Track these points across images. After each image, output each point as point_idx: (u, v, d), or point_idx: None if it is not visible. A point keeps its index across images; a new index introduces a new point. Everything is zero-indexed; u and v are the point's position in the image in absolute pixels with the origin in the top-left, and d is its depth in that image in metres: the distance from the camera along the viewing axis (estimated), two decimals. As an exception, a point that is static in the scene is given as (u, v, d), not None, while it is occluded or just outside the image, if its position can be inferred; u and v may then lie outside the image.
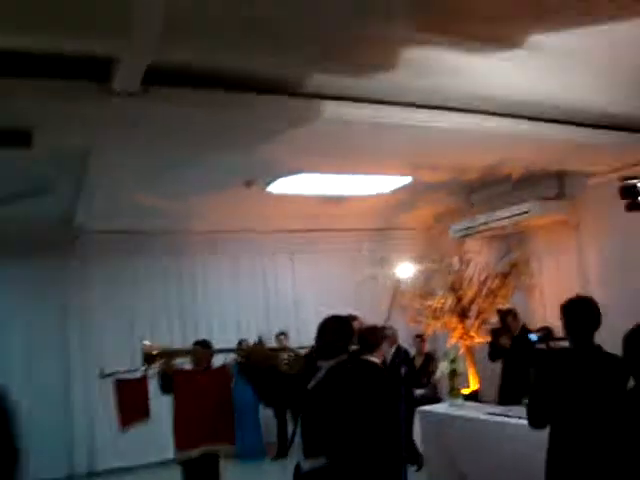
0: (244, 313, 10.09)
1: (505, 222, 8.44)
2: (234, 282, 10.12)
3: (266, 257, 10.31)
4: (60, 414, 8.84)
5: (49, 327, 8.88)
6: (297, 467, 3.67)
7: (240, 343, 8.62)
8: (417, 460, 7.26)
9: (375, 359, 4.76)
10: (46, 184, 6.85)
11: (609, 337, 3.57)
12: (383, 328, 5.23)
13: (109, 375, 6.38)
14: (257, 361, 3.70)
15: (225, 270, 10.04)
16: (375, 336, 4.92)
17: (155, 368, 5.78)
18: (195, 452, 5.32)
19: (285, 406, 8.33)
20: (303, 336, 9.10)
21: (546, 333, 5.74)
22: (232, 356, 6.26)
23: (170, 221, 9.09)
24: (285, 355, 3.96)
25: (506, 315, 7.58)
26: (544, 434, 5.05)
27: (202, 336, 7.74)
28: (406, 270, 8.66)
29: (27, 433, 8.43)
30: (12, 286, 8.68)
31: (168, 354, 4.86)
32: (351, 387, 3.60)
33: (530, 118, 5.47)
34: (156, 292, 9.57)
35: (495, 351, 7.68)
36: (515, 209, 8.29)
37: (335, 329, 3.83)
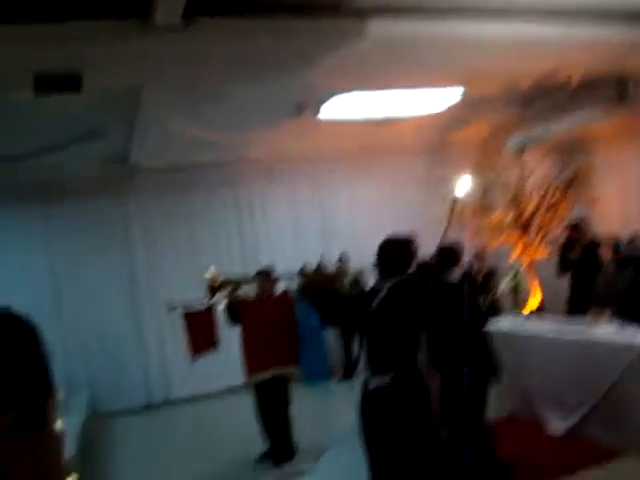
0: (303, 239, 10.15)
1: (564, 131, 8.16)
2: (292, 209, 10.17)
3: (322, 182, 10.26)
4: (133, 348, 9.23)
5: (114, 264, 9.16)
6: (364, 385, 3.76)
7: (302, 269, 8.74)
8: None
9: (454, 276, 4.80)
10: (100, 126, 6.95)
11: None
12: (459, 245, 5.19)
13: (177, 308, 6.57)
14: (319, 285, 3.75)
15: (282, 197, 10.08)
16: (454, 253, 4.93)
17: (220, 298, 5.95)
18: (264, 376, 5.49)
19: (349, 327, 8.48)
20: (362, 259, 9.14)
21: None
22: (294, 282, 6.36)
23: (224, 152, 9.10)
24: (347, 277, 4.00)
25: (575, 227, 7.44)
26: (608, 350, 5.02)
27: (263, 265, 7.91)
28: (464, 186, 8.50)
29: (105, 368, 8.95)
30: (75, 226, 8.96)
31: (231, 284, 4.96)
32: (414, 304, 3.64)
33: (585, 19, 5.19)
34: (215, 224, 9.72)
35: (564, 264, 7.57)
36: (574, 118, 7.99)
37: (395, 249, 3.85)
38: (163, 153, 8.49)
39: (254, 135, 8.48)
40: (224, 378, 9.06)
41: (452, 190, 8.40)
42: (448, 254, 4.88)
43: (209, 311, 6.43)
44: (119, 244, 9.22)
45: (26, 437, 0.60)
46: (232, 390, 8.89)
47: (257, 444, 6.15)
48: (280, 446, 6.05)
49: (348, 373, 9.10)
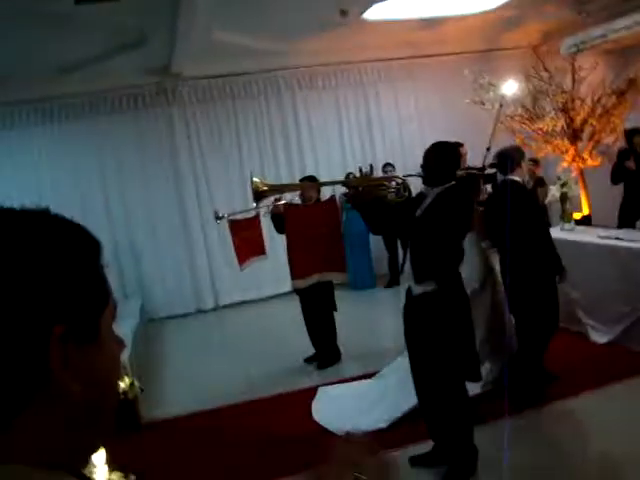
0: (349, 146, 10.05)
1: (623, 33, 7.74)
2: (337, 116, 9.99)
3: (368, 88, 10.03)
4: (184, 257, 9.41)
5: (161, 174, 9.22)
6: (408, 291, 3.79)
7: (348, 176, 8.70)
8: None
9: (517, 178, 4.78)
10: (141, 35, 6.87)
11: None
12: (519, 148, 5.17)
13: (223, 217, 6.64)
14: (365, 191, 3.73)
15: (327, 104, 9.89)
16: (514, 156, 4.85)
17: (266, 206, 5.98)
18: (310, 281, 5.56)
19: (394, 234, 8.50)
20: (410, 166, 9.05)
21: None
22: (341, 189, 6.35)
23: (268, 60, 8.96)
24: (393, 183, 3.97)
25: (633, 134, 7.17)
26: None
27: (309, 173, 7.88)
28: (513, 91, 8.19)
29: (156, 276, 9.20)
30: (122, 136, 8.99)
31: (277, 189, 4.97)
32: (460, 212, 3.61)
33: None
34: (260, 133, 9.65)
35: (619, 173, 7.36)
36: (633, 18, 7.56)
37: (441, 156, 3.79)
38: (206, 61, 8.40)
39: (297, 41, 8.30)
40: (272, 285, 9.28)
41: (501, 96, 8.19)
42: (510, 155, 4.83)
43: (255, 220, 6.51)
44: (166, 154, 9.24)
45: (78, 348, 0.63)
46: (280, 296, 9.11)
47: (304, 346, 6.33)
48: (325, 350, 6.22)
49: (393, 280, 9.21)
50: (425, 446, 4.05)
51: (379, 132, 10.17)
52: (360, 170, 5.00)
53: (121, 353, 0.86)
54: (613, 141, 7.97)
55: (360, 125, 10.10)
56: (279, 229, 6.11)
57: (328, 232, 5.11)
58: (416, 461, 3.97)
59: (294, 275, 5.30)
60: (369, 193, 3.75)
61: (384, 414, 4.58)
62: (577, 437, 4.31)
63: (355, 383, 5.52)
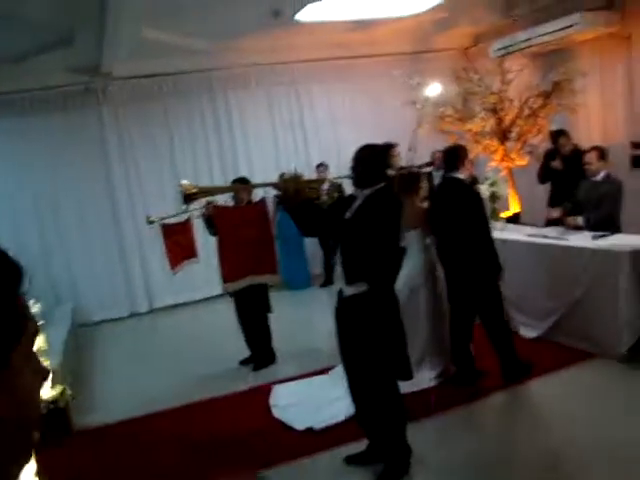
0: (283, 147, 10.04)
1: (549, 37, 7.98)
2: (270, 116, 9.96)
3: (301, 88, 10.04)
4: (117, 261, 9.23)
5: (93, 175, 9.01)
6: (339, 293, 3.81)
7: (281, 176, 8.68)
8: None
9: (461, 176, 4.95)
10: (70, 33, 6.69)
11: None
12: (464, 147, 5.34)
13: (154, 221, 6.56)
14: (295, 193, 3.72)
15: (260, 105, 9.85)
16: (460, 154, 5.02)
17: (197, 209, 5.92)
18: (241, 284, 5.53)
19: (324, 236, 8.56)
20: (344, 166, 9.09)
21: None
22: (273, 190, 6.34)
23: (200, 59, 8.87)
24: (324, 185, 3.98)
25: (558, 135, 7.38)
26: (585, 257, 5.15)
27: (243, 174, 7.84)
28: (437, 93, 8.34)
29: (88, 280, 8.98)
30: (51, 139, 8.72)
31: (206, 191, 4.92)
32: (389, 213, 3.64)
33: None
34: (194, 133, 9.53)
35: (546, 173, 7.57)
36: (560, 23, 7.80)
37: (369, 158, 3.82)
38: (137, 60, 8.25)
39: (230, 41, 8.24)
40: (206, 288, 9.18)
41: (432, 96, 8.32)
42: (456, 154, 5.01)
43: (187, 223, 6.44)
44: (97, 154, 9.04)
45: None
46: (214, 299, 9.04)
47: (239, 348, 6.29)
48: (260, 352, 6.20)
49: (328, 280, 9.25)
50: (360, 445, 4.08)
51: (312, 132, 10.19)
52: (295, 172, 5.01)
53: (43, 383, 0.83)
54: (540, 141, 8.20)
55: (293, 125, 10.09)
56: (212, 231, 6.07)
57: (258, 234, 5.10)
58: (351, 460, 4.00)
59: (225, 278, 5.26)
60: (299, 195, 3.75)
61: (342, 409, 4.58)
62: (509, 429, 4.43)
63: (313, 378, 5.57)
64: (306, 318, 8.14)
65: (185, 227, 6.39)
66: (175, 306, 9.33)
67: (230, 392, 5.63)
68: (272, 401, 5.25)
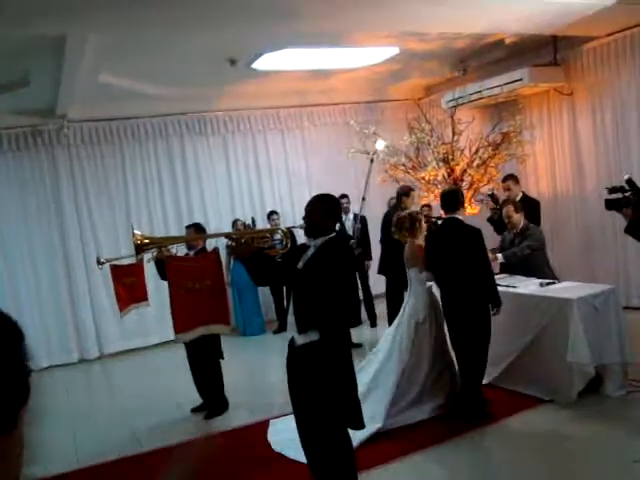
0: (238, 194, 10.07)
1: (498, 90, 8.27)
2: (226, 162, 10.00)
3: (257, 135, 10.13)
4: (66, 305, 9.02)
5: (44, 218, 8.88)
6: (291, 342, 3.81)
7: (235, 223, 8.72)
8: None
9: (459, 216, 5.27)
10: (25, 76, 6.66)
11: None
12: (460, 189, 6.05)
13: (104, 263, 6.49)
14: (247, 244, 3.74)
15: (216, 151, 9.90)
16: (456, 196, 5.36)
17: (150, 252, 5.87)
18: (194, 334, 5.48)
19: (277, 285, 8.61)
20: (298, 214, 9.17)
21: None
22: (225, 240, 6.35)
23: (157, 105, 8.92)
24: (277, 235, 4.01)
25: (507, 179, 7.52)
26: (534, 304, 5.28)
27: (197, 219, 7.82)
28: (382, 148, 8.53)
29: (36, 325, 8.72)
30: (1, 178, 8.62)
31: (159, 242, 4.90)
32: (339, 263, 3.68)
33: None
34: (148, 177, 9.50)
35: (499, 224, 7.57)
36: (508, 77, 8.11)
37: (323, 208, 3.86)
38: (93, 104, 8.25)
39: (186, 87, 8.31)
40: (158, 333, 9.06)
41: (384, 145, 8.49)
42: (455, 196, 5.37)
43: (139, 265, 6.38)
44: (49, 197, 8.91)
45: None
46: (167, 344, 8.92)
47: (192, 396, 6.21)
48: (212, 399, 6.11)
49: (282, 326, 9.25)
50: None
51: (267, 180, 10.26)
52: (246, 223, 5.10)
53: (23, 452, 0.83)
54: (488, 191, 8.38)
55: (249, 172, 10.15)
56: (163, 275, 6.01)
57: (211, 284, 5.08)
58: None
59: (177, 329, 5.21)
60: (251, 245, 3.77)
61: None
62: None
63: None
64: (260, 364, 8.08)
65: (136, 269, 6.33)
66: (126, 352, 9.15)
67: (183, 441, 5.52)
68: (270, 437, 5.27)
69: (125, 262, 6.58)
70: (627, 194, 4.91)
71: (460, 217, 5.28)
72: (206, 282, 4.78)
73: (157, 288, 7.05)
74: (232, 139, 9.98)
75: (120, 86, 7.60)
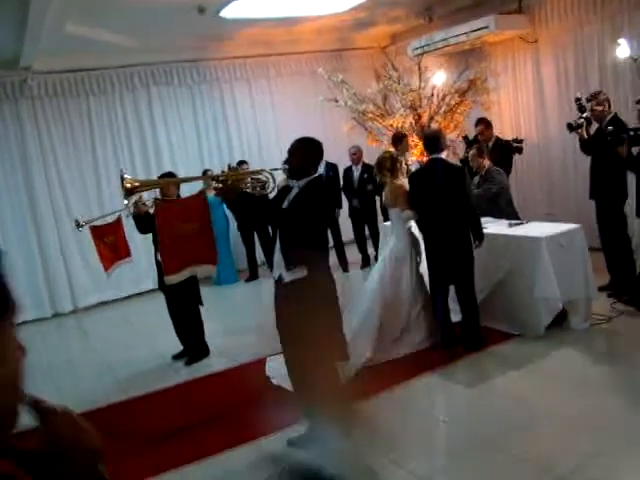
0: (205, 144, 10.06)
1: (464, 38, 8.36)
2: (194, 113, 9.95)
3: (224, 85, 10.07)
4: (37, 261, 8.95)
5: (11, 174, 8.72)
6: (278, 280, 3.93)
7: (205, 173, 8.72)
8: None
9: (444, 156, 5.52)
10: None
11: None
12: (441, 130, 6.32)
13: (83, 225, 6.49)
14: (234, 185, 3.83)
15: (183, 101, 9.83)
16: (438, 137, 5.56)
17: (127, 208, 5.89)
18: (183, 275, 5.57)
19: (264, 225, 8.75)
20: (266, 163, 9.22)
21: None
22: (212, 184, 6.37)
23: (123, 56, 8.79)
24: (262, 177, 4.10)
25: (478, 123, 7.66)
26: (504, 244, 5.49)
27: (166, 170, 7.80)
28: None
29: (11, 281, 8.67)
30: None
31: (149, 185, 4.93)
32: (324, 201, 3.82)
33: None
34: (115, 129, 9.40)
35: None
36: (474, 24, 8.20)
37: (305, 150, 3.96)
38: (58, 55, 8.10)
39: (154, 37, 8.20)
40: (131, 284, 9.11)
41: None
42: (438, 137, 5.57)
43: (118, 223, 6.42)
44: (14, 151, 8.74)
45: None
46: (140, 295, 8.99)
47: (171, 344, 6.33)
48: (193, 345, 6.23)
49: (253, 275, 9.42)
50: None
51: (235, 129, 10.24)
52: (229, 166, 5.15)
53: (23, 358, 0.88)
54: (457, 136, 8.54)
55: (216, 123, 10.12)
56: (142, 229, 6.06)
57: (199, 225, 5.13)
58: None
59: (167, 271, 5.27)
60: (237, 187, 3.86)
61: None
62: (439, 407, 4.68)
63: None
64: (235, 311, 8.22)
65: (116, 227, 6.36)
66: (100, 304, 9.18)
67: (166, 386, 5.65)
68: (268, 372, 5.44)
69: (103, 222, 6.59)
70: (584, 115, 6.03)
71: (444, 157, 5.45)
72: (194, 224, 4.85)
73: (131, 242, 7.03)
74: (199, 89, 9.92)
75: (86, 37, 7.46)
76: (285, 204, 3.87)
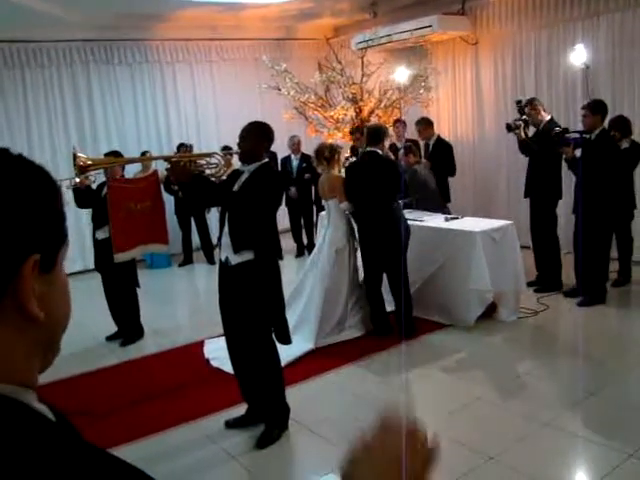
0: (144, 125, 9.90)
1: (407, 35, 8.54)
2: (133, 93, 9.79)
3: (165, 67, 9.94)
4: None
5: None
6: (224, 263, 3.97)
7: (143, 154, 8.61)
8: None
9: (378, 150, 5.59)
10: None
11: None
12: (385, 126, 6.42)
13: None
14: (186, 166, 3.84)
15: (122, 81, 9.64)
16: (380, 132, 5.72)
17: (68, 180, 5.78)
18: (130, 254, 5.53)
19: (201, 210, 8.74)
20: (205, 146, 9.20)
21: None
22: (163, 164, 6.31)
23: (61, 29, 8.54)
24: (214, 159, 4.11)
25: (417, 124, 7.86)
26: (440, 237, 5.70)
27: (103, 151, 7.65)
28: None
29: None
30: None
31: (101, 163, 4.85)
32: (274, 186, 3.88)
33: None
34: (51, 106, 9.14)
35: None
36: (418, 22, 8.39)
37: (256, 135, 4.01)
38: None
39: (95, 12, 8.01)
40: (66, 263, 8.87)
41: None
42: (377, 131, 5.74)
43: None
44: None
45: (39, 277, 0.67)
46: (73, 275, 8.78)
47: (105, 325, 6.27)
48: (128, 327, 6.19)
49: (188, 259, 9.41)
50: (240, 409, 4.29)
51: (175, 111, 10.13)
52: (183, 145, 5.12)
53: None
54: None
55: (156, 104, 9.98)
56: (80, 203, 5.97)
57: (151, 204, 5.11)
58: (231, 424, 4.19)
59: (117, 248, 5.21)
60: (189, 168, 3.87)
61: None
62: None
63: None
64: (169, 295, 8.18)
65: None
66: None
67: (101, 367, 5.60)
68: (207, 354, 5.47)
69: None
70: (522, 117, 6.43)
71: (379, 151, 5.58)
72: (146, 203, 4.82)
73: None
74: (139, 69, 9.75)
75: (22, 6, 7.23)
76: (235, 187, 3.90)
